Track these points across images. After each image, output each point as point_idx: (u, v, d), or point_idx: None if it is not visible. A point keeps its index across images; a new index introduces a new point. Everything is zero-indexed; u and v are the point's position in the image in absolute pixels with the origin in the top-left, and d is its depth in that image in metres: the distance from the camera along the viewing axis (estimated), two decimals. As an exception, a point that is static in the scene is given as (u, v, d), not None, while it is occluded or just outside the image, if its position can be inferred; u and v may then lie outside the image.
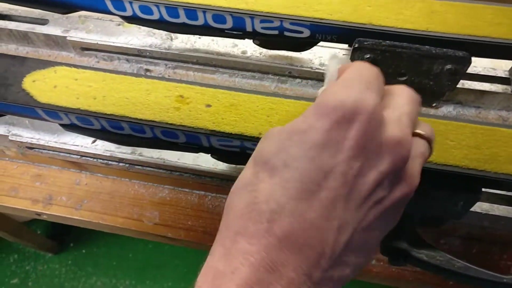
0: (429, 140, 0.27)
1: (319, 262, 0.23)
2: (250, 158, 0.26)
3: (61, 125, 0.45)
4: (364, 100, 0.23)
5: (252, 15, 0.48)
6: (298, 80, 0.57)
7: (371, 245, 0.25)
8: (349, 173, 0.23)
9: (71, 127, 0.45)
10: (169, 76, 0.60)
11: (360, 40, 0.47)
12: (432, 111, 0.55)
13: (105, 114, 0.41)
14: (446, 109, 0.56)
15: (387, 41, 0.47)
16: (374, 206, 0.24)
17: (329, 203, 0.23)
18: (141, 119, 0.41)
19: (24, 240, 1.23)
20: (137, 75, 0.43)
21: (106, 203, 0.55)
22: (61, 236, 1.42)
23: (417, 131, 0.26)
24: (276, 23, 0.48)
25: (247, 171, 0.26)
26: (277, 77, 0.58)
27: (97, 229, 0.57)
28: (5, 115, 0.45)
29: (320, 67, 0.56)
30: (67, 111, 0.42)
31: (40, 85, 0.43)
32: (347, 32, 0.47)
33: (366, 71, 0.26)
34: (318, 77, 0.56)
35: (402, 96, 0.27)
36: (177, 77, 0.60)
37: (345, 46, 0.57)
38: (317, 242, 0.23)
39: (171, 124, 0.40)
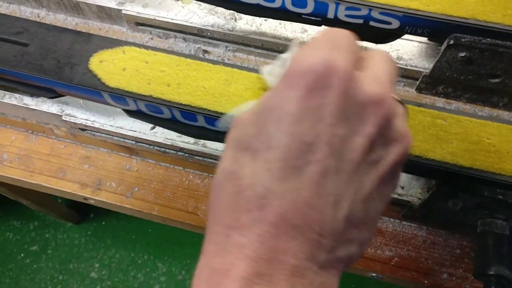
0: (402, 103, 0.25)
1: (321, 243, 0.21)
2: (225, 148, 0.24)
3: (125, 110, 0.42)
4: (335, 60, 0.21)
5: (339, 1, 0.43)
6: (370, 73, 0.53)
7: (373, 217, 0.23)
8: (334, 141, 0.21)
9: (135, 114, 0.42)
10: (228, 59, 0.55)
11: (457, 36, 0.42)
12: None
13: (180, 104, 0.37)
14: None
15: (488, 39, 0.42)
16: (369, 173, 0.22)
17: (319, 177, 0.21)
18: (220, 113, 0.37)
19: (46, 209, 1.22)
20: (214, 62, 0.39)
21: (158, 192, 0.52)
22: (81, 206, 1.41)
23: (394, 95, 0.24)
24: (364, 11, 0.43)
25: (225, 161, 0.23)
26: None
27: (148, 219, 0.54)
28: (65, 96, 0.42)
29: (397, 61, 0.51)
30: (138, 97, 0.38)
31: (108, 67, 0.39)
32: (443, 26, 0.43)
33: (333, 32, 0.24)
34: (393, 71, 0.52)
35: (377, 57, 0.25)
36: (237, 61, 0.55)
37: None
38: (315, 222, 0.21)
39: (253, 120, 0.36)
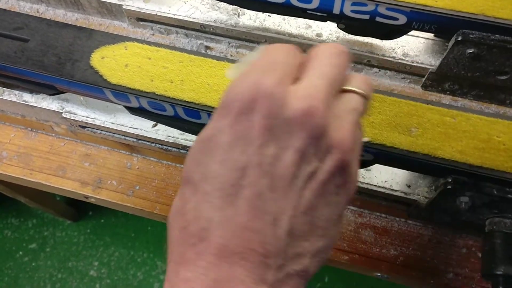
0: (362, 94, 0.24)
1: (267, 264, 0.21)
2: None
3: (127, 107, 0.41)
4: (260, 84, 0.22)
5: (344, -4, 0.42)
6: (375, 69, 0.52)
7: (323, 226, 0.23)
8: (264, 162, 0.21)
9: (137, 111, 0.41)
10: (231, 55, 0.55)
11: (465, 32, 0.42)
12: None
13: (184, 101, 0.37)
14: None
15: (497, 35, 0.41)
16: (307, 185, 0.22)
17: (254, 199, 0.21)
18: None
19: (44, 206, 1.21)
20: (218, 58, 0.38)
21: (160, 190, 0.51)
22: (80, 204, 1.40)
23: (346, 87, 0.24)
24: (370, 7, 0.43)
25: (176, 197, 0.24)
26: (352, 65, 0.52)
27: (149, 218, 0.53)
28: (65, 93, 0.41)
29: (403, 58, 0.50)
30: (140, 94, 0.37)
31: (109, 63, 0.38)
32: (451, 22, 0.42)
33: (269, 52, 0.24)
34: (399, 68, 0.51)
35: (318, 57, 0.24)
36: (240, 58, 0.54)
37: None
38: (256, 244, 0.21)
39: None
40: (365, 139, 0.35)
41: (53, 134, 0.54)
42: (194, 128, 0.40)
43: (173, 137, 0.46)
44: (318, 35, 0.52)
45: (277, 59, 0.23)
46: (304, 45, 0.52)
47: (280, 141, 0.22)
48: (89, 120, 0.47)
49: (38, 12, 0.58)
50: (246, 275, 0.21)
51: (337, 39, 0.52)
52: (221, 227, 0.21)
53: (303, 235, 0.22)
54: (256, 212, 0.21)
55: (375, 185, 0.43)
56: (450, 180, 0.36)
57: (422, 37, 0.51)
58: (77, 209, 1.41)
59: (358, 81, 0.25)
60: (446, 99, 0.51)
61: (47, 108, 0.48)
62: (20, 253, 1.36)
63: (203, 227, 0.21)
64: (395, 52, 0.50)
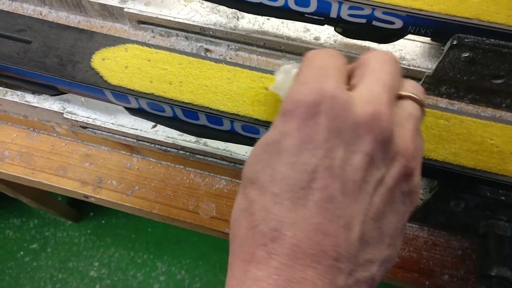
0: (416, 100, 0.25)
1: (338, 268, 0.21)
2: (240, 186, 0.25)
3: (127, 108, 0.42)
4: (321, 88, 0.22)
5: (341, 0, 0.43)
6: (372, 73, 0.53)
7: (391, 234, 0.23)
8: (333, 165, 0.21)
9: (137, 112, 0.41)
10: (230, 58, 0.55)
11: (460, 36, 0.42)
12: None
13: (182, 102, 0.37)
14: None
15: (492, 40, 0.42)
16: (376, 190, 0.22)
17: (326, 202, 0.21)
18: (222, 111, 0.37)
19: (46, 207, 1.21)
20: (217, 60, 0.39)
21: (159, 191, 0.52)
22: (81, 205, 1.41)
23: (401, 93, 0.24)
24: (367, 11, 0.43)
25: (239, 197, 0.25)
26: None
27: (148, 218, 0.54)
28: (67, 93, 0.42)
29: (400, 61, 0.51)
30: (139, 95, 0.38)
31: (110, 65, 0.39)
32: (447, 26, 0.43)
33: (317, 57, 0.25)
34: (396, 72, 0.51)
35: (372, 64, 0.25)
36: (239, 60, 0.55)
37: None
38: (329, 247, 0.21)
39: (255, 119, 0.36)
40: None
41: (55, 135, 0.55)
42: (193, 129, 0.40)
43: (172, 138, 0.47)
44: (316, 38, 0.53)
45: (325, 64, 0.24)
46: (303, 48, 0.52)
47: (349, 144, 0.22)
48: (90, 121, 0.48)
49: (41, 14, 0.59)
50: (318, 278, 0.20)
51: (334, 42, 0.52)
52: (293, 228, 0.21)
53: (373, 242, 0.22)
54: (328, 215, 0.21)
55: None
56: (443, 182, 0.36)
57: (419, 41, 0.52)
58: (78, 209, 1.42)
59: (412, 86, 0.25)
60: (443, 102, 0.51)
61: (48, 108, 0.49)
62: (21, 253, 1.37)
63: (274, 228, 0.21)
64: (392, 56, 0.51)
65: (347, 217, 0.21)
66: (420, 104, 0.25)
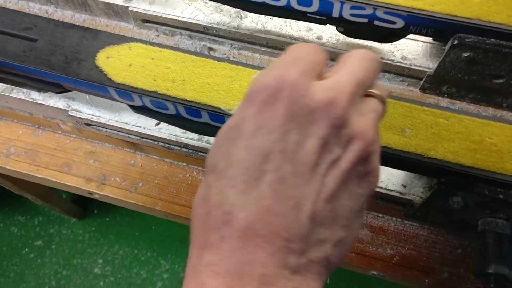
0: (380, 98, 0.26)
1: (289, 248, 0.21)
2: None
3: (131, 106, 0.42)
4: (284, 75, 0.23)
5: (343, 0, 0.43)
6: (374, 72, 0.53)
7: (345, 216, 0.23)
8: (287, 148, 0.22)
9: (140, 109, 0.42)
10: (234, 57, 0.56)
11: (461, 36, 0.43)
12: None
13: (185, 100, 0.38)
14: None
15: (493, 40, 0.42)
16: (329, 172, 0.23)
17: (277, 184, 0.22)
18: (224, 109, 0.37)
19: (51, 204, 1.22)
20: (219, 59, 0.39)
21: (162, 188, 0.52)
22: (85, 202, 1.42)
23: (369, 90, 0.25)
24: (369, 11, 0.44)
25: (200, 185, 0.25)
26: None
27: (151, 214, 0.54)
28: (71, 91, 0.42)
29: (401, 61, 0.51)
30: (143, 93, 0.39)
31: (114, 63, 0.39)
32: (448, 26, 0.43)
33: (295, 48, 0.25)
34: (397, 71, 0.52)
35: (349, 60, 0.25)
36: (242, 59, 0.56)
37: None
38: (280, 228, 0.21)
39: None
40: None
41: (60, 132, 0.55)
42: (195, 127, 0.41)
43: (175, 136, 0.47)
44: (319, 37, 0.53)
45: (300, 55, 0.24)
46: (305, 48, 0.53)
47: (303, 129, 0.22)
48: (94, 118, 0.49)
49: (47, 13, 0.60)
50: (269, 258, 0.21)
51: (337, 42, 0.53)
52: (244, 210, 0.21)
53: (326, 223, 0.22)
54: (279, 196, 0.21)
55: (371, 185, 0.44)
56: (442, 180, 0.36)
57: (420, 41, 0.52)
58: (83, 207, 1.43)
59: (380, 87, 0.26)
60: (444, 101, 0.52)
61: (54, 106, 0.50)
62: (26, 249, 1.38)
63: (227, 211, 0.22)
64: (394, 55, 0.51)
65: (297, 198, 0.22)
66: (384, 104, 0.26)
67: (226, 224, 0.22)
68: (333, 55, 0.52)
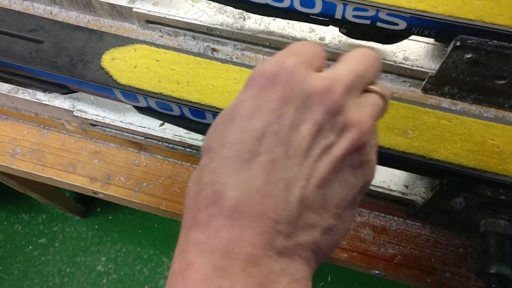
0: (381, 94, 0.26)
1: (277, 229, 0.21)
2: None
3: (135, 107, 0.43)
4: (283, 62, 0.23)
5: (346, 2, 0.44)
6: (377, 73, 0.53)
7: (337, 204, 0.23)
8: (281, 131, 0.22)
9: (145, 110, 0.43)
10: (237, 58, 0.56)
11: (464, 37, 0.43)
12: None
13: (190, 101, 0.38)
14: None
15: (495, 41, 0.42)
16: (321, 157, 0.23)
17: (269, 165, 0.22)
18: None
19: (54, 202, 1.23)
20: (223, 60, 0.40)
21: (166, 187, 0.53)
22: (89, 201, 1.43)
23: (371, 87, 0.25)
24: (371, 12, 0.44)
25: (196, 169, 0.25)
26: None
27: (155, 214, 0.55)
28: (77, 92, 0.43)
29: (404, 62, 0.51)
30: (148, 94, 0.39)
31: (119, 64, 0.40)
32: (450, 28, 0.43)
33: (296, 44, 0.26)
34: (399, 72, 0.52)
35: (350, 56, 0.26)
36: (245, 60, 0.56)
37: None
38: (268, 208, 0.21)
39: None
40: None
41: (65, 132, 0.56)
42: (200, 128, 0.41)
43: (179, 136, 0.48)
44: (321, 39, 0.53)
45: (300, 50, 0.25)
46: (308, 48, 0.53)
47: (298, 113, 0.22)
48: (99, 119, 0.49)
49: (51, 14, 0.60)
50: (256, 239, 0.21)
51: (339, 43, 0.53)
52: (235, 189, 0.21)
53: (315, 208, 0.22)
54: (269, 177, 0.22)
55: (374, 185, 0.45)
56: (444, 181, 0.37)
57: (422, 42, 0.52)
58: (86, 205, 1.43)
59: (382, 85, 0.26)
60: (446, 102, 0.52)
61: (59, 106, 0.50)
62: (30, 247, 1.39)
63: (217, 190, 0.22)
64: (396, 56, 0.52)
65: (288, 180, 0.22)
66: (385, 101, 0.26)
67: (215, 203, 0.22)
68: (336, 56, 0.53)
